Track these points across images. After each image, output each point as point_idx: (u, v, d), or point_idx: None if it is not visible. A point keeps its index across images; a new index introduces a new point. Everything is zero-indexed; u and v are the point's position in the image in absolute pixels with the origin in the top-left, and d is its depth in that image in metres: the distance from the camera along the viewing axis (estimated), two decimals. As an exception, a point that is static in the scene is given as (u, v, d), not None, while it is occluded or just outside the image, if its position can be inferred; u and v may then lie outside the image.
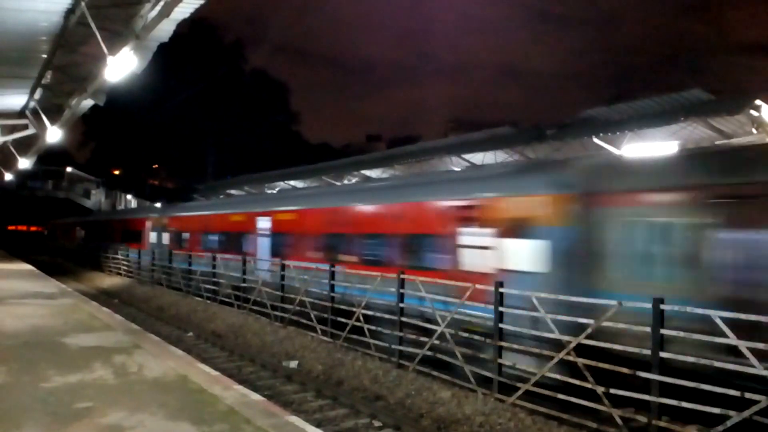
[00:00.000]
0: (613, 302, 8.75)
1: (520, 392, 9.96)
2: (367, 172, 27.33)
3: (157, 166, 70.23)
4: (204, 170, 57.17)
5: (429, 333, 12.06)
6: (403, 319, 12.74)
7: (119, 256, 34.48)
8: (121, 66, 11.54)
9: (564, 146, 19.15)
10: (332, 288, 15.12)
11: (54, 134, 19.58)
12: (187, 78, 61.01)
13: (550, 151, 19.79)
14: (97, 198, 60.61)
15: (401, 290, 12.75)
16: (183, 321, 19.92)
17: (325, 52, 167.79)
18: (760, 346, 7.23)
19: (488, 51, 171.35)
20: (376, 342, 13.37)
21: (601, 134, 16.92)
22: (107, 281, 33.06)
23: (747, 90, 15.82)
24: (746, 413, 7.27)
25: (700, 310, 7.79)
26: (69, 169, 59.75)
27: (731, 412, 7.42)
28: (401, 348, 12.74)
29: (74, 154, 73.21)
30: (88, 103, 17.50)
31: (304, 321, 16.08)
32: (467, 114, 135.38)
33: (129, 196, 59.58)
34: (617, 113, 17.64)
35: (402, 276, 12.78)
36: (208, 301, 21.73)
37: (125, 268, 33.33)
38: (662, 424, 8.08)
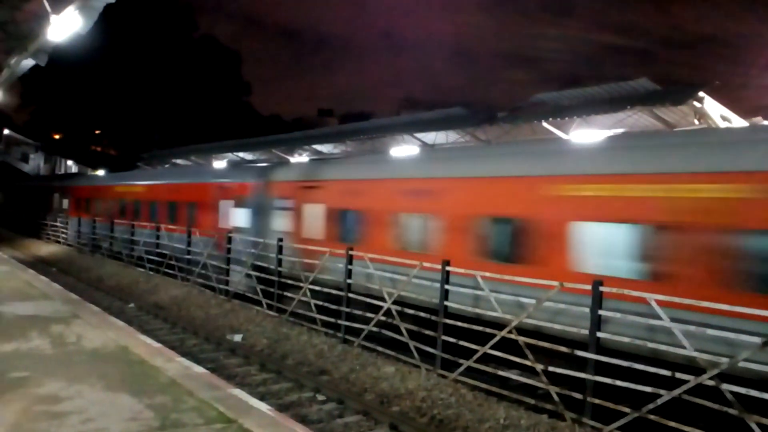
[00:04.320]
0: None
1: (461, 368, 10.17)
2: (318, 147, 27.12)
3: (100, 132, 67.80)
4: (150, 138, 55.58)
5: (377, 309, 12.20)
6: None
7: (57, 224, 33.46)
8: (65, 25, 11.06)
9: (514, 129, 19.39)
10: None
11: (-9, 94, 18.70)
12: (134, 41, 58.95)
13: (500, 133, 20.01)
14: (35, 162, 58.44)
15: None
16: (124, 292, 19.51)
17: (280, 23, 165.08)
18: (692, 329, 7.56)
19: (445, 31, 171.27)
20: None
21: (550, 119, 17.21)
22: (45, 249, 32.01)
23: (691, 82, 16.33)
24: (676, 392, 7.61)
25: (636, 293, 8.09)
26: (6, 132, 57.27)
27: (662, 391, 7.76)
28: (347, 323, 12.87)
29: (12, 115, 70.09)
30: (28, 63, 16.69)
31: (250, 294, 16.14)
32: (420, 93, 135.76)
33: (70, 162, 57.57)
34: (567, 99, 17.96)
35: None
36: (151, 272, 21.42)
37: (63, 235, 32.35)
38: (597, 401, 8.38)
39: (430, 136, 22.37)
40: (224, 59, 69.40)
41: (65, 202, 35.15)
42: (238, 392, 7.39)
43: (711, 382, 7.33)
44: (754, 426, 7.00)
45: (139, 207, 25.77)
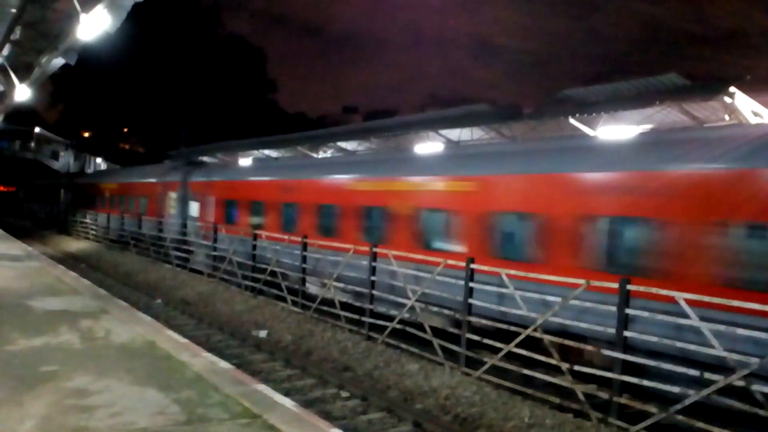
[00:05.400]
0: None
1: (486, 366, 10.11)
2: (343, 144, 27.14)
3: (127, 129, 68.80)
4: (177, 136, 56.16)
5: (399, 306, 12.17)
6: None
7: (87, 221, 34.04)
8: (95, 24, 11.21)
9: (540, 125, 19.19)
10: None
11: (23, 93, 19.00)
12: (161, 40, 59.67)
13: (526, 129, 19.82)
14: (65, 160, 59.33)
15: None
16: (152, 287, 19.77)
17: (305, 20, 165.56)
18: (722, 328, 7.43)
19: (469, 27, 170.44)
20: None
21: (577, 115, 16.99)
22: (74, 245, 32.59)
23: (722, 76, 15.98)
24: (704, 392, 7.48)
25: (664, 292, 7.97)
26: (37, 130, 58.28)
27: (690, 391, 7.63)
28: (365, 319, 12.88)
29: (43, 114, 71.40)
30: (58, 61, 16.98)
31: (266, 288, 16.20)
32: (445, 90, 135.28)
33: (99, 160, 58.44)
34: (593, 94, 17.67)
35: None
36: (178, 269, 21.69)
37: (93, 232, 32.90)
38: (623, 401, 8.28)
39: (455, 133, 22.26)
40: (249, 57, 69.89)
41: (194, 207, 24.42)
42: (263, 388, 7.45)
43: (741, 383, 7.19)
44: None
45: (422, 222, 14.18)
